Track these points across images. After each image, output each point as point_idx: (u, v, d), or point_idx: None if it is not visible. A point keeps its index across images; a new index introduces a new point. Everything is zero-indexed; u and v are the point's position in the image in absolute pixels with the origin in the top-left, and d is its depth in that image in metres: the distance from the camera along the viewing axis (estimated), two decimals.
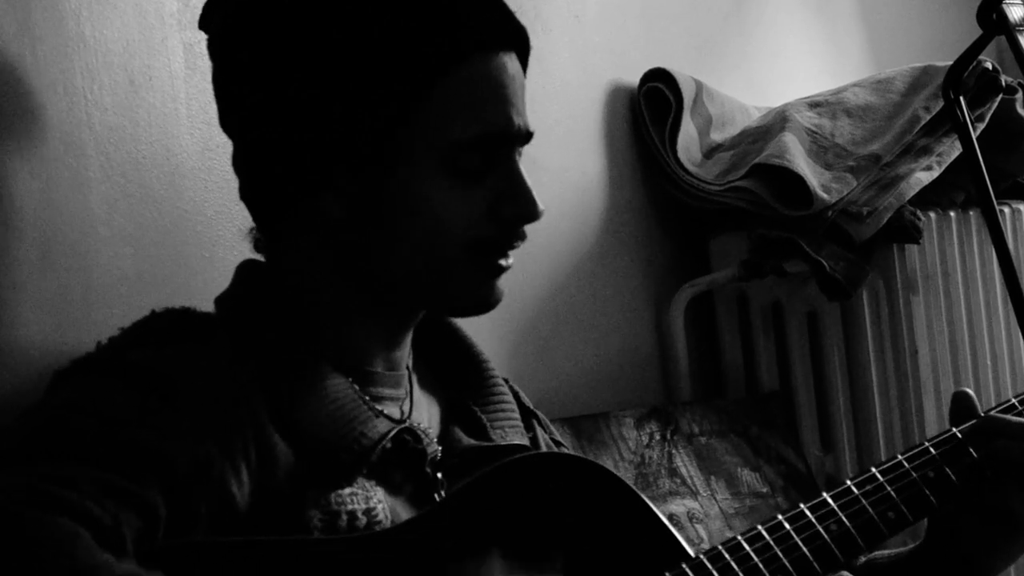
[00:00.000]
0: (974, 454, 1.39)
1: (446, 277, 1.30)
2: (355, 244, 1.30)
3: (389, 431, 1.27)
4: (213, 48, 1.33)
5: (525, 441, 1.41)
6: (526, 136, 1.35)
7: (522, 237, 1.34)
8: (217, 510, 1.14)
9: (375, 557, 1.16)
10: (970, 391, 1.46)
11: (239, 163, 1.34)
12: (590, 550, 1.22)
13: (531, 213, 1.32)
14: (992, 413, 1.43)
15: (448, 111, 1.27)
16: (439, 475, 1.32)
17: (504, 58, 1.31)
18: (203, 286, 1.52)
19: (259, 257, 1.37)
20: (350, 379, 1.30)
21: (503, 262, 1.33)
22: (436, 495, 1.31)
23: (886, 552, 1.49)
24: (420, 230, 1.28)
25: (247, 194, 1.34)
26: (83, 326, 1.48)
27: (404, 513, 1.27)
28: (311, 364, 1.27)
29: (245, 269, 1.36)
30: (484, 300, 1.34)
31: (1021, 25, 1.72)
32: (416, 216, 1.28)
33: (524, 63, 1.36)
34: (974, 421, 1.42)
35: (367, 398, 1.30)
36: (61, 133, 1.48)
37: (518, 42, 1.34)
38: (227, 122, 1.34)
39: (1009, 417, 1.42)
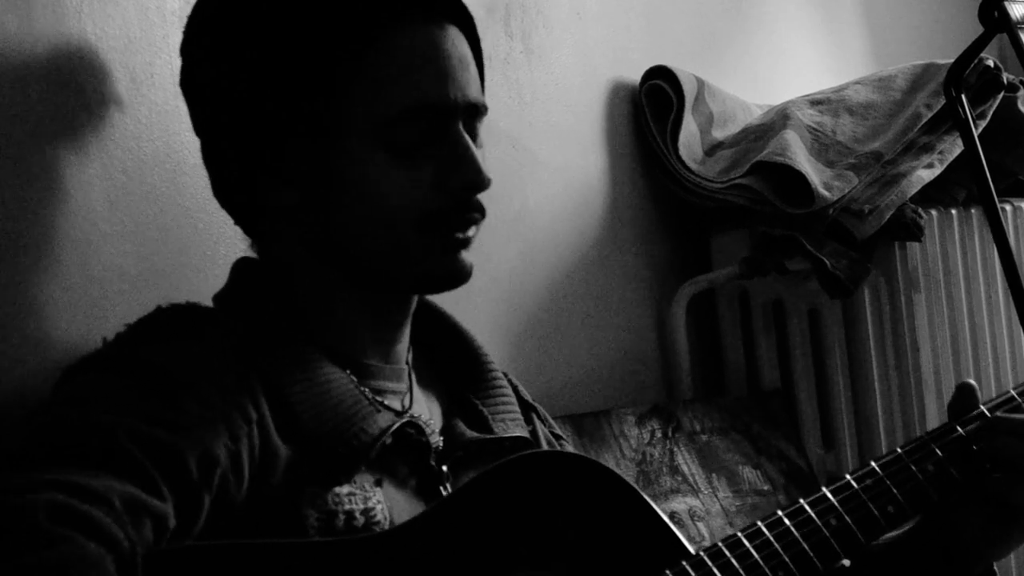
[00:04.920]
0: (974, 447, 1.39)
1: (403, 255, 1.30)
2: (314, 228, 1.32)
3: (390, 426, 1.27)
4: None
5: (525, 433, 1.41)
6: (468, 108, 1.33)
7: (476, 209, 1.33)
8: (215, 505, 1.14)
9: (375, 560, 1.15)
10: (974, 383, 1.46)
11: (204, 160, 1.38)
12: (591, 548, 1.22)
13: (476, 181, 1.31)
14: (999, 415, 1.43)
15: (375, 86, 1.28)
16: (444, 468, 1.32)
17: (435, 30, 1.31)
18: (205, 283, 1.52)
19: (254, 254, 1.39)
20: (348, 371, 1.30)
21: (460, 234, 1.32)
22: (441, 488, 1.31)
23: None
24: (367, 208, 1.29)
25: (215, 189, 1.37)
26: (84, 322, 1.48)
27: (408, 506, 1.27)
28: (309, 357, 1.28)
29: (239, 266, 1.39)
30: (448, 273, 1.33)
31: (1022, 23, 1.72)
32: (359, 194, 1.29)
33: (470, 38, 1.35)
34: (975, 415, 1.42)
35: (367, 391, 1.30)
36: (62, 130, 1.48)
37: (451, 14, 1.33)
38: (194, 123, 1.38)
39: (1012, 416, 1.42)
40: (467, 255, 1.33)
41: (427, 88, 1.29)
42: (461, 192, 1.31)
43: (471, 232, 1.33)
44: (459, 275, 1.33)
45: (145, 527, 1.05)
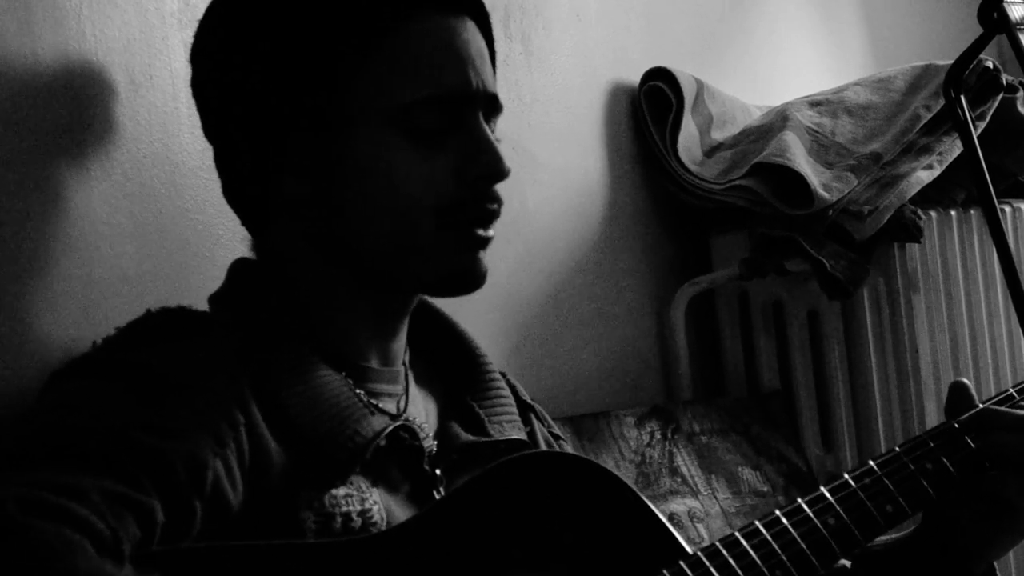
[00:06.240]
0: (972, 445, 1.39)
1: (417, 251, 1.29)
2: (322, 219, 1.31)
3: (384, 428, 1.27)
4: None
5: (523, 436, 1.41)
6: (487, 99, 1.33)
7: (495, 199, 1.32)
8: (211, 511, 1.14)
9: (372, 561, 1.14)
10: (967, 381, 1.45)
11: (216, 162, 1.37)
12: (588, 549, 1.21)
13: (496, 170, 1.30)
14: (989, 406, 1.43)
15: (393, 73, 1.28)
16: (437, 471, 1.32)
17: (453, 21, 1.31)
18: (203, 284, 1.52)
19: (253, 256, 1.39)
20: (343, 374, 1.30)
21: (481, 231, 1.31)
22: (435, 492, 1.31)
23: (881, 537, 1.49)
24: (380, 195, 1.28)
25: (226, 189, 1.37)
26: (84, 324, 1.48)
27: (401, 511, 1.27)
28: (304, 359, 1.27)
29: (236, 267, 1.38)
30: (466, 271, 1.32)
31: (1022, 24, 1.72)
32: (373, 180, 1.28)
33: (485, 31, 1.36)
34: (972, 412, 1.42)
35: (362, 394, 1.30)
36: (62, 131, 1.48)
37: (469, 8, 1.34)
38: (204, 126, 1.37)
39: (1005, 409, 1.42)
40: (484, 257, 1.32)
41: (448, 75, 1.29)
42: (480, 182, 1.30)
43: (491, 231, 1.32)
44: (475, 276, 1.32)
45: (127, 519, 1.04)
